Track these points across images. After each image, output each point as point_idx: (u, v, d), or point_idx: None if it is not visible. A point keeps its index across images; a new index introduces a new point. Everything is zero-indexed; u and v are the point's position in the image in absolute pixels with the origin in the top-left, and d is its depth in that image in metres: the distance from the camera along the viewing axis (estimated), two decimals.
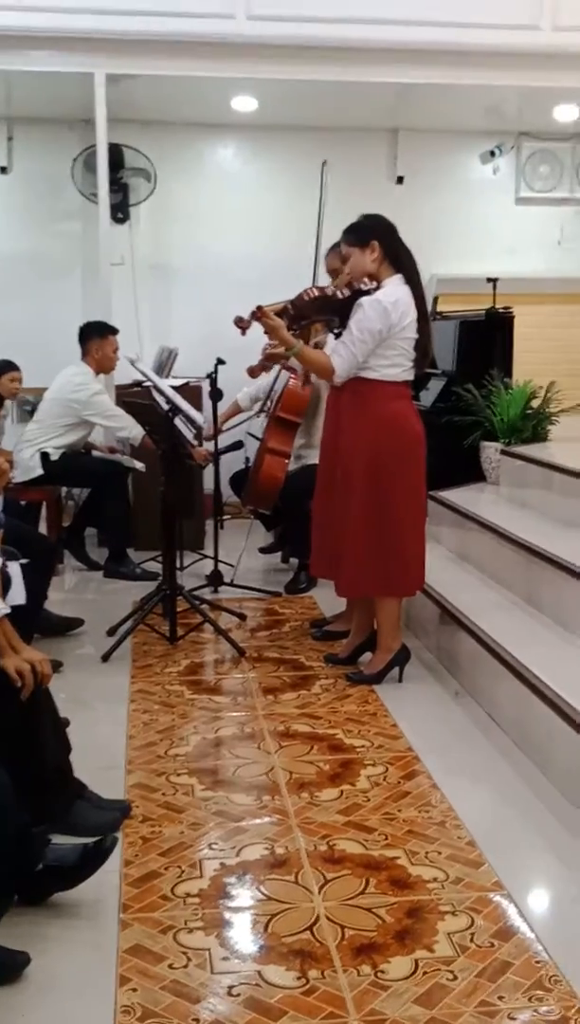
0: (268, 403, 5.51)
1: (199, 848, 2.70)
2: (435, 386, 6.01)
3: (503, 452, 5.50)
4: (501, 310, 6.06)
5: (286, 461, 5.27)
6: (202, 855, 2.66)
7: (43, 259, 6.98)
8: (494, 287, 6.15)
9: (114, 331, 5.76)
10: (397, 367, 3.79)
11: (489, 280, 6.20)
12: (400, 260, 3.77)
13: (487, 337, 6.01)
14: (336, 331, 4.01)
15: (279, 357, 4.96)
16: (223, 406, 5.43)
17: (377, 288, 3.75)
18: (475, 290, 6.43)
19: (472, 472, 5.71)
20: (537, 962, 2.23)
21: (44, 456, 5.52)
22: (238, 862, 2.63)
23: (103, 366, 5.74)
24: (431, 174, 7.33)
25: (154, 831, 2.79)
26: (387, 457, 3.78)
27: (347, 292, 3.79)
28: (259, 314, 3.84)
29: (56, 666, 3.89)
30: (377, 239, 3.74)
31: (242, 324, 3.95)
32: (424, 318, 3.79)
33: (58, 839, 2.49)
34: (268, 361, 5.14)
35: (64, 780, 2.75)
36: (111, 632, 4.49)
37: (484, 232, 7.36)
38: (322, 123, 6.96)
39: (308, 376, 4.92)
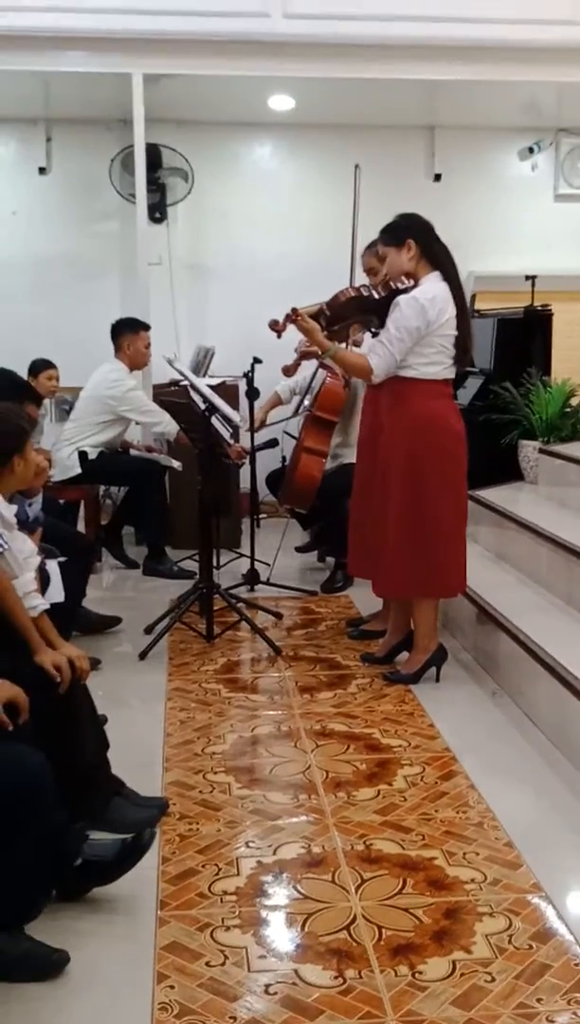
0: (305, 401, 5.50)
1: (236, 846, 2.70)
2: (473, 384, 5.98)
3: (541, 451, 5.46)
4: (539, 308, 6.02)
5: (323, 460, 5.26)
6: (239, 853, 2.67)
7: (81, 259, 7.02)
8: (532, 284, 6.11)
9: (146, 327, 5.78)
10: (436, 365, 3.77)
11: (527, 277, 6.16)
12: (437, 257, 3.76)
13: (525, 335, 5.98)
14: (373, 331, 4.00)
15: (314, 355, 4.96)
16: (260, 404, 5.43)
17: (414, 286, 3.74)
18: (513, 288, 6.38)
19: (510, 471, 5.68)
20: (576, 964, 2.21)
21: (82, 455, 5.56)
22: (275, 860, 2.63)
23: (136, 362, 5.77)
24: (469, 171, 7.28)
25: (191, 828, 2.80)
26: (426, 456, 3.77)
27: (384, 292, 3.78)
28: (294, 317, 3.84)
29: (94, 664, 3.91)
30: (413, 238, 3.74)
31: (277, 327, 3.95)
32: (463, 314, 3.77)
33: (96, 835, 2.50)
34: (303, 359, 5.15)
35: (102, 776, 2.77)
36: (148, 630, 4.51)
37: (522, 229, 7.30)
38: (359, 121, 6.94)
39: (348, 380, 4.92)
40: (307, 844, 2.71)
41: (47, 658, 2.60)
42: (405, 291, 3.73)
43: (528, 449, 5.57)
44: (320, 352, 3.97)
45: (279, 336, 3.99)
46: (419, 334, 3.69)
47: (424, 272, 3.76)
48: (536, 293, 6.09)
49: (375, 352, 3.76)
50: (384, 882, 2.52)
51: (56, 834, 2.37)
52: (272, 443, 5.54)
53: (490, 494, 5.30)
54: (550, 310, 6.02)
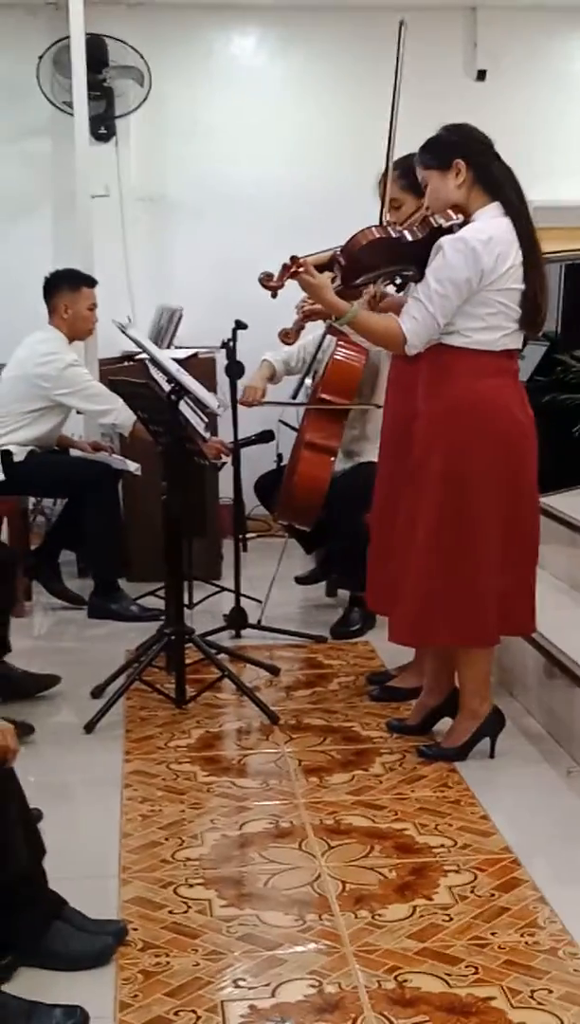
0: (307, 380, 5.51)
1: (220, 985, 2.68)
2: (533, 354, 6.00)
3: None
4: None
5: (332, 459, 5.28)
6: (225, 995, 2.65)
7: (0, 190, 7.04)
8: None
9: (91, 282, 5.79)
10: (495, 331, 3.74)
11: None
12: (497, 184, 3.74)
13: None
14: (398, 283, 3.99)
15: (322, 315, 4.96)
16: (247, 379, 5.43)
17: (465, 224, 3.73)
18: None
19: None
20: None
21: (5, 455, 5.57)
22: (274, 1004, 2.61)
23: (77, 329, 5.78)
24: (522, 66, 7.33)
25: (159, 963, 2.78)
26: (473, 456, 3.74)
27: (422, 231, 3.76)
28: (295, 269, 3.84)
29: (25, 732, 3.92)
30: (463, 157, 3.72)
31: (271, 284, 3.94)
32: (534, 261, 3.73)
33: (28, 974, 2.49)
34: (306, 321, 5.15)
35: (35, 894, 2.75)
36: (97, 693, 4.50)
37: None
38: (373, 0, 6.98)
39: (367, 350, 4.88)
40: (318, 982, 2.69)
41: None
42: (450, 230, 3.72)
43: None
44: (333, 316, 3.97)
45: (274, 295, 3.98)
46: (470, 288, 3.67)
47: (478, 204, 3.75)
48: None
49: (410, 314, 3.74)
50: None
51: None
52: (265, 436, 5.55)
53: (559, 501, 5.30)
54: None
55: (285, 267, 3.87)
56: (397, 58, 4.14)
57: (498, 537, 3.79)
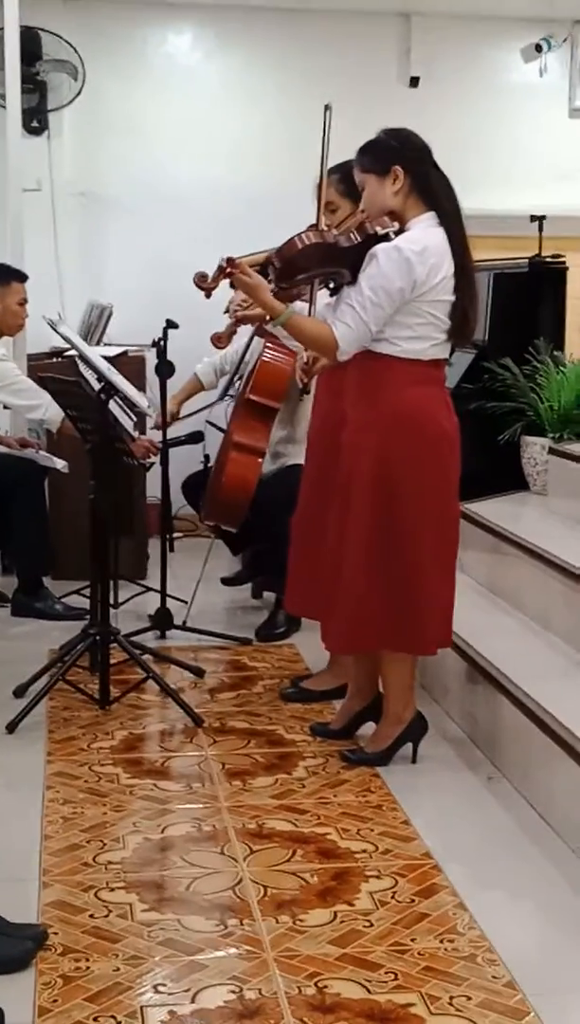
0: (237, 381, 5.50)
1: (140, 991, 2.67)
2: (460, 361, 6.01)
3: (552, 451, 5.52)
4: (549, 259, 6.10)
5: (259, 460, 5.27)
6: (145, 1000, 2.64)
7: None
8: (540, 227, 6.19)
9: (21, 277, 5.75)
10: (423, 340, 3.75)
11: (534, 219, 6.23)
12: (434, 192, 3.74)
13: (531, 295, 6.04)
14: (331, 286, 3.99)
15: (255, 319, 4.96)
16: (176, 384, 5.42)
17: (400, 231, 3.74)
18: (515, 231, 6.46)
19: (510, 477, 5.73)
20: None
21: None
22: (194, 1010, 2.60)
23: (6, 324, 5.73)
24: (456, 75, 7.38)
25: (79, 967, 2.76)
26: (403, 463, 3.75)
27: (358, 237, 3.76)
28: (230, 269, 3.83)
29: None
30: (402, 164, 3.72)
31: (205, 285, 3.93)
32: (466, 273, 3.75)
33: None
34: (239, 324, 5.15)
35: None
36: (19, 692, 4.47)
37: (528, 154, 7.42)
38: (310, 4, 6.99)
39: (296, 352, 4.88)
40: (238, 988, 2.69)
41: None
42: (385, 237, 3.73)
43: (534, 448, 5.62)
44: (267, 317, 3.96)
45: (208, 295, 3.98)
46: (402, 297, 3.67)
47: (414, 212, 3.75)
48: (545, 239, 6.17)
49: (342, 320, 3.74)
50: None
51: None
52: (195, 437, 5.53)
53: (483, 508, 5.34)
54: (564, 262, 6.09)
55: (220, 268, 3.87)
56: (323, 143, 4.13)
57: (430, 544, 3.80)
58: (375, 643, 3.91)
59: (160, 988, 2.69)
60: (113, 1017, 2.58)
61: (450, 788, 3.81)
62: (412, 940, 2.89)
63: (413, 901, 3.08)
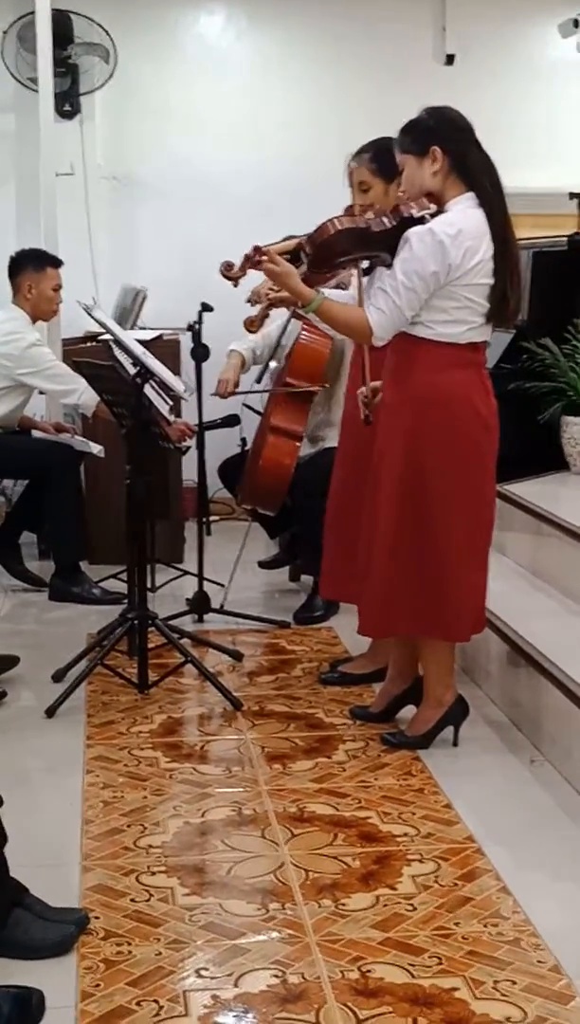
0: (272, 363, 5.49)
1: (183, 975, 2.67)
2: (499, 341, 5.98)
3: None
4: None
5: (297, 444, 5.26)
6: (187, 985, 2.63)
7: None
8: (579, 205, 6.13)
9: (55, 263, 5.77)
10: (459, 324, 3.71)
11: (573, 196, 6.19)
12: (474, 173, 3.69)
13: (571, 273, 5.99)
14: (365, 268, 3.97)
15: (287, 302, 4.94)
16: (211, 367, 5.40)
17: (438, 213, 3.69)
18: (554, 209, 6.42)
19: (550, 457, 5.69)
20: None
21: None
22: (237, 995, 2.60)
23: (40, 310, 5.75)
24: (492, 52, 7.33)
25: (121, 952, 2.76)
26: (436, 447, 3.72)
27: (393, 220, 3.72)
28: (257, 257, 3.80)
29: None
30: (441, 144, 3.67)
31: (232, 274, 3.91)
32: (507, 255, 3.69)
33: None
34: (272, 308, 5.12)
35: None
36: (58, 677, 4.48)
37: (566, 130, 7.35)
38: None
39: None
40: (281, 972, 2.68)
41: None
42: (421, 220, 3.68)
43: (575, 428, 5.59)
44: (299, 305, 3.94)
45: (236, 284, 3.96)
46: (436, 281, 3.63)
47: (453, 193, 3.70)
48: None
49: (376, 305, 3.71)
50: (387, 1023, 2.49)
51: None
52: (231, 420, 5.52)
53: (523, 488, 5.31)
54: None
55: (247, 257, 3.84)
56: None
57: (461, 527, 3.77)
58: (406, 627, 3.90)
59: (203, 972, 2.69)
60: (156, 1001, 2.58)
61: (492, 771, 3.80)
62: (455, 924, 2.88)
63: (456, 885, 3.07)
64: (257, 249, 3.80)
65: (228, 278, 3.91)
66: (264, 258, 3.79)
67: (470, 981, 2.64)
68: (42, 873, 2.92)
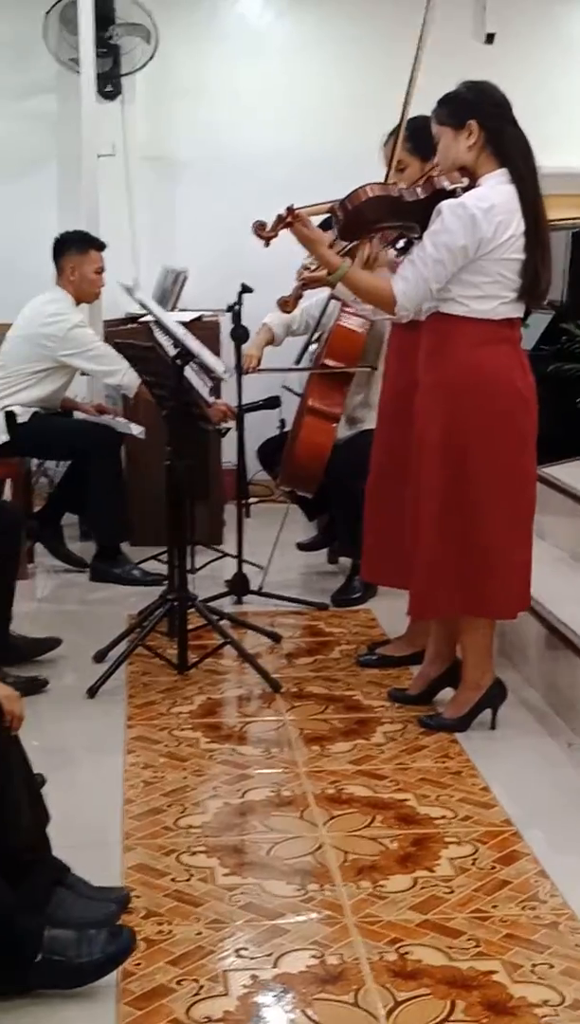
0: (312, 344, 5.47)
1: (223, 955, 2.69)
2: (537, 323, 5.95)
3: None
4: None
5: (334, 425, 5.26)
6: (227, 965, 2.66)
7: (5, 149, 6.98)
8: None
9: (98, 245, 5.77)
10: (491, 300, 3.71)
11: None
12: (508, 149, 3.68)
13: None
14: (399, 246, 3.95)
15: (321, 281, 4.92)
16: (250, 344, 5.39)
17: (470, 187, 3.69)
18: None
19: None
20: None
21: (9, 417, 5.55)
22: (276, 975, 2.62)
23: (83, 292, 5.77)
24: (533, 31, 7.27)
25: (161, 931, 2.79)
26: (474, 424, 3.73)
27: (426, 192, 3.72)
28: (290, 219, 3.79)
29: (41, 685, 3.95)
30: (478, 118, 3.66)
31: (264, 233, 3.89)
32: (537, 231, 3.69)
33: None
34: (305, 288, 5.10)
35: (39, 861, 2.75)
36: (99, 657, 4.51)
37: None
38: None
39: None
40: (320, 952, 2.70)
41: None
42: (453, 193, 3.68)
43: None
44: (326, 272, 3.93)
45: (266, 244, 3.92)
46: (466, 255, 3.63)
47: (486, 168, 3.70)
48: None
49: (402, 275, 3.71)
50: (425, 1005, 2.51)
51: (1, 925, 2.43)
52: (271, 402, 5.52)
53: (561, 471, 5.28)
54: None
55: (280, 217, 3.84)
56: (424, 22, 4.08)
57: (504, 505, 3.77)
58: (451, 607, 3.89)
59: (242, 952, 2.71)
60: (196, 980, 2.60)
61: (530, 754, 3.79)
62: (493, 907, 2.89)
63: (494, 868, 3.07)
64: (290, 210, 3.80)
65: (260, 237, 3.90)
66: (296, 220, 3.79)
67: (508, 964, 2.65)
68: (84, 852, 2.94)
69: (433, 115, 3.79)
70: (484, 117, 3.68)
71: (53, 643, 4.58)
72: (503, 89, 3.78)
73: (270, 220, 3.86)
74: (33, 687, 4.08)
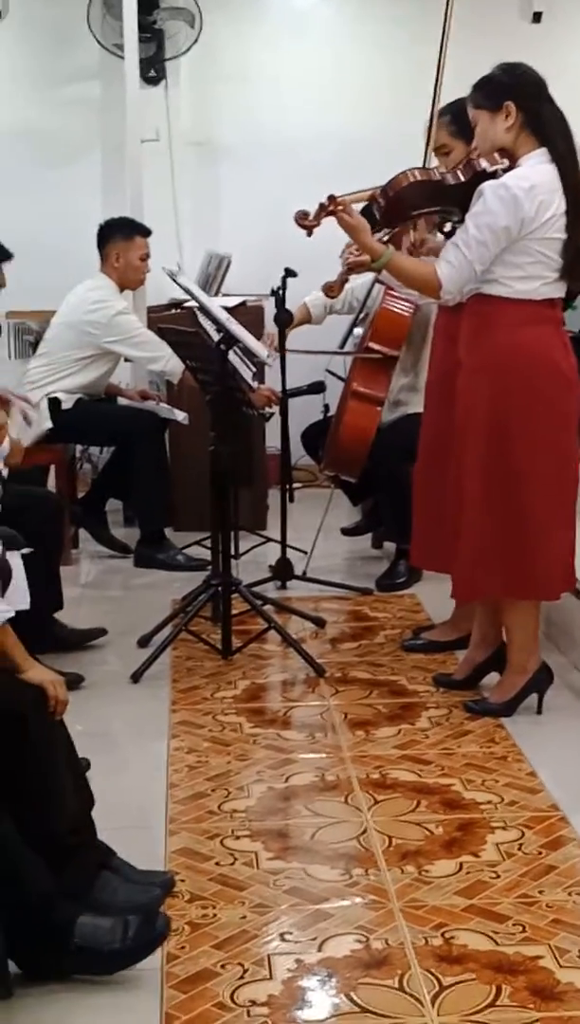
0: (357, 328, 5.45)
1: (267, 939, 2.70)
2: None
3: None
4: None
5: (378, 409, 5.24)
6: (271, 949, 2.66)
7: (49, 135, 6.98)
8: None
9: (144, 232, 5.77)
10: (534, 280, 3.70)
11: None
12: (545, 129, 3.69)
13: None
14: (446, 231, 3.94)
15: (365, 266, 4.90)
16: (295, 335, 5.38)
17: (510, 168, 3.67)
18: None
19: None
20: None
21: (53, 403, 5.56)
22: (321, 959, 2.62)
23: (127, 278, 5.77)
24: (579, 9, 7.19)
25: (206, 915, 2.79)
26: (517, 406, 3.73)
27: (466, 175, 3.71)
28: (332, 207, 3.79)
29: (76, 682, 3.95)
30: (515, 99, 3.66)
31: (306, 223, 3.89)
32: (578, 211, 3.68)
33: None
34: (350, 273, 5.09)
35: (84, 845, 2.76)
36: (144, 642, 4.52)
37: None
38: None
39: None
40: (365, 937, 2.70)
41: (39, 674, 2.66)
42: (494, 175, 3.67)
43: None
44: (370, 259, 3.93)
45: (309, 234, 3.92)
46: (509, 236, 3.63)
47: (526, 148, 3.69)
48: None
49: (446, 259, 3.71)
50: (470, 990, 2.50)
51: (38, 908, 2.45)
52: (316, 387, 5.51)
53: None
54: None
55: (322, 206, 3.83)
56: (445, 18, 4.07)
57: (547, 485, 3.77)
58: (496, 589, 3.88)
59: (286, 937, 2.71)
60: (241, 964, 2.60)
61: (576, 739, 3.78)
62: (540, 892, 2.88)
63: (540, 853, 3.06)
64: (332, 198, 3.79)
65: (302, 226, 3.89)
66: (338, 208, 3.78)
67: (554, 949, 2.64)
68: (128, 836, 2.96)
69: (469, 99, 3.81)
70: (521, 98, 3.68)
71: (98, 633, 4.59)
72: (550, 67, 3.77)
73: (312, 209, 3.85)
74: (69, 684, 4.08)
